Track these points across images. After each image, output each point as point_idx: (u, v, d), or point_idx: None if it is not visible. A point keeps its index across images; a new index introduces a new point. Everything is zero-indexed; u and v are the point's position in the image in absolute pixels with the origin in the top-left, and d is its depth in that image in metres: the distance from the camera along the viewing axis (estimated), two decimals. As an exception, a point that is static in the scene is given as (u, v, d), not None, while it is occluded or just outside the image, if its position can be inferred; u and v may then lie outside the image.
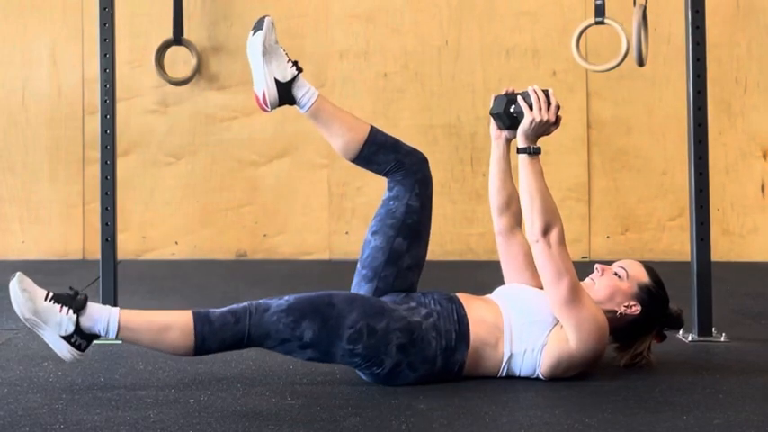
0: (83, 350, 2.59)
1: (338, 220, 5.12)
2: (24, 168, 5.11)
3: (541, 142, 2.71)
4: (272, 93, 2.78)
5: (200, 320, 2.59)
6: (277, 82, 2.78)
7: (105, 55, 3.33)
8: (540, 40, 5.10)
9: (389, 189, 2.83)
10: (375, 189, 4.95)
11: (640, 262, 2.84)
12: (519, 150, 2.69)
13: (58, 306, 2.54)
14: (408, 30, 5.13)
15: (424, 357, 2.62)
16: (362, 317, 2.59)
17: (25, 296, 2.55)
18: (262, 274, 4.70)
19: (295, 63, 2.82)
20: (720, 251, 4.80)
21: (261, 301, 2.62)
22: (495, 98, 2.81)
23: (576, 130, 5.04)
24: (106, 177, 3.30)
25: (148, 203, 5.13)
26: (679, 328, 2.88)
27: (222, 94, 5.10)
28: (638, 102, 5.11)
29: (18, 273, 2.58)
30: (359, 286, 2.78)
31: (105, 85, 3.32)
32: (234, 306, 2.62)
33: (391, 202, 2.81)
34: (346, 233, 5.11)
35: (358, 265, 2.81)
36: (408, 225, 2.78)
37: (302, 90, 2.81)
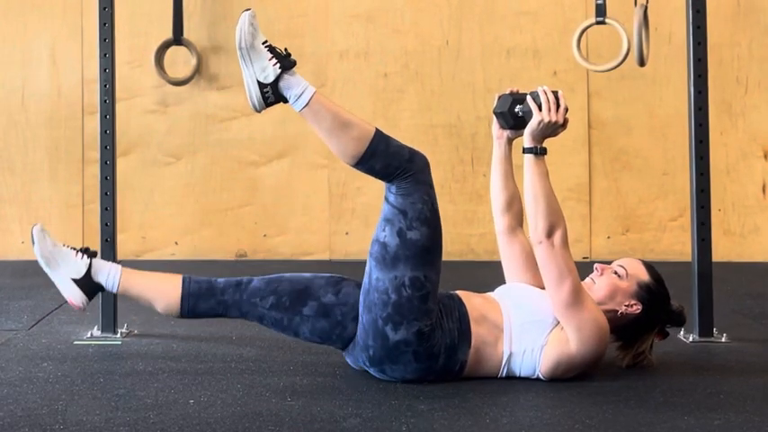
0: (267, 104, 2.69)
1: (338, 221, 5.12)
2: (24, 168, 5.11)
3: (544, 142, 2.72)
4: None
5: (380, 136, 2.68)
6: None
7: (105, 55, 3.32)
8: (541, 40, 5.10)
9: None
10: (375, 189, 4.94)
11: (640, 260, 2.83)
12: (525, 150, 2.69)
13: (270, 55, 2.67)
14: (408, 30, 5.12)
15: (429, 353, 2.63)
16: (435, 286, 2.66)
17: (250, 30, 2.67)
18: (262, 274, 4.68)
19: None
20: (721, 251, 4.79)
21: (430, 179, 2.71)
22: (500, 97, 2.81)
23: (577, 131, 5.04)
24: (106, 177, 3.30)
25: (148, 203, 5.12)
26: (681, 326, 2.88)
27: (222, 94, 5.10)
28: (639, 102, 5.11)
29: (252, 9, 2.70)
30: None
31: (105, 85, 3.32)
32: (415, 150, 2.70)
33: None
34: (346, 233, 5.10)
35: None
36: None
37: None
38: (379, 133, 2.68)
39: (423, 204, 2.66)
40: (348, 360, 2.79)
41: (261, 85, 2.67)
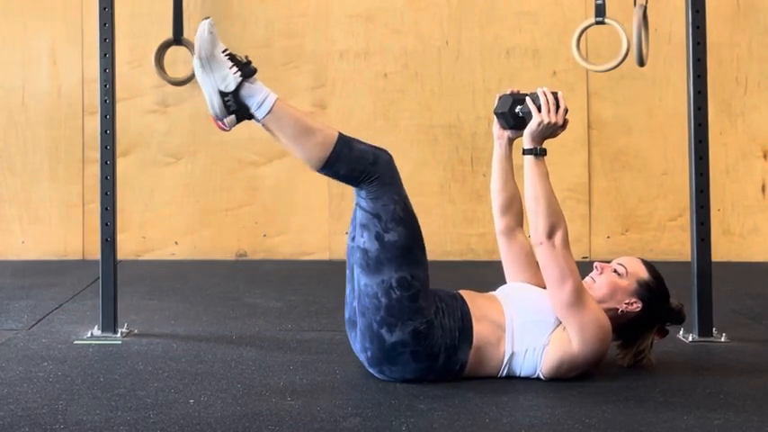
0: (229, 113, 2.65)
1: (338, 221, 5.12)
2: (24, 168, 5.11)
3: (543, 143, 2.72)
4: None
5: (344, 141, 2.66)
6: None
7: (105, 55, 3.32)
8: (541, 40, 5.10)
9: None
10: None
11: (639, 258, 2.83)
12: (525, 151, 2.69)
13: (230, 63, 2.63)
14: (408, 30, 5.12)
15: (429, 352, 2.63)
16: (424, 283, 2.64)
17: (210, 38, 2.63)
18: (262, 274, 4.70)
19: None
20: (721, 251, 4.80)
21: (397, 177, 2.68)
22: (500, 97, 2.81)
23: (577, 131, 5.04)
24: (106, 177, 3.30)
25: (148, 203, 5.12)
26: (681, 323, 2.87)
27: (222, 94, 5.09)
28: (639, 102, 5.11)
29: (211, 18, 2.66)
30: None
31: (105, 85, 3.32)
32: (378, 150, 2.68)
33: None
34: (346, 233, 5.08)
35: (348, 272, 2.79)
36: None
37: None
38: (342, 137, 2.66)
39: (394, 205, 2.65)
40: (353, 348, 2.78)
41: (222, 95, 2.64)
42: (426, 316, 2.63)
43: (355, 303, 2.68)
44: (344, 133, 2.69)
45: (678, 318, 2.83)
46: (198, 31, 2.65)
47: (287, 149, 2.72)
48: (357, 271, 2.66)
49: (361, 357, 2.71)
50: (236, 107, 2.65)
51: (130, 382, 2.72)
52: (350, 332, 2.77)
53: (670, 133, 5.05)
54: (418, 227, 2.69)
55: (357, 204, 2.69)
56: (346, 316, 2.77)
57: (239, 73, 2.63)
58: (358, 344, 2.70)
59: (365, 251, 2.64)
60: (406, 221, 2.65)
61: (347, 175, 2.66)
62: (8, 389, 2.63)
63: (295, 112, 2.69)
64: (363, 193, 2.66)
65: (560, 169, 4.97)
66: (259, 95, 2.64)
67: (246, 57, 2.67)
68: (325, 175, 2.70)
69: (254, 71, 2.65)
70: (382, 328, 2.61)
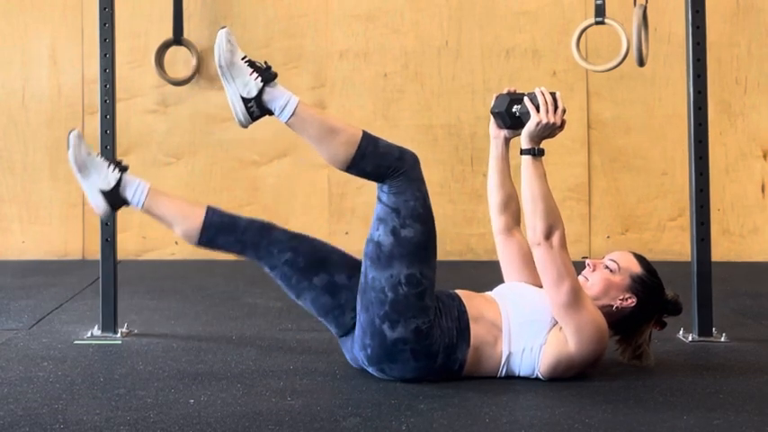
0: (253, 119, 2.71)
1: (338, 220, 5.12)
2: (24, 168, 5.11)
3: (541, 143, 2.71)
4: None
5: (368, 138, 2.70)
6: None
7: (105, 55, 3.33)
8: (540, 40, 5.10)
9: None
10: (375, 189, 4.94)
11: (631, 252, 2.82)
12: (523, 152, 2.69)
13: (250, 69, 2.68)
14: (408, 30, 5.13)
15: (428, 351, 2.63)
16: (431, 282, 2.66)
17: (228, 47, 2.69)
18: (262, 274, 4.67)
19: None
20: (721, 251, 4.80)
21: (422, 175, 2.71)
22: (497, 97, 2.80)
23: (577, 131, 5.04)
24: (106, 177, 3.29)
25: (148, 203, 5.12)
26: (677, 314, 2.84)
27: (222, 94, 5.01)
28: (639, 102, 5.11)
29: (227, 27, 2.71)
30: None
31: (105, 85, 3.32)
32: (404, 148, 2.71)
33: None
34: (346, 233, 5.11)
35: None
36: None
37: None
38: (366, 135, 2.70)
39: (415, 201, 2.67)
40: (347, 357, 2.79)
41: (245, 101, 2.69)
42: (429, 315, 2.63)
43: (358, 299, 2.68)
44: (369, 132, 2.72)
45: (675, 309, 2.80)
46: (216, 40, 2.69)
47: (315, 150, 2.74)
48: (366, 264, 2.67)
49: (360, 356, 2.70)
50: (259, 113, 2.70)
51: (130, 382, 2.72)
52: (343, 344, 2.77)
53: (670, 133, 5.05)
54: (434, 226, 2.72)
55: (378, 198, 2.71)
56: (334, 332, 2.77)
57: (260, 78, 2.68)
58: (357, 342, 2.69)
59: (378, 244, 2.65)
60: (425, 219, 2.69)
61: (373, 171, 2.69)
62: (8, 389, 2.63)
63: (318, 114, 2.74)
64: (386, 187, 2.69)
65: (560, 169, 4.97)
66: (281, 99, 2.69)
67: (266, 62, 2.72)
68: (352, 173, 2.72)
69: (275, 76, 2.69)
70: (384, 324, 2.62)
